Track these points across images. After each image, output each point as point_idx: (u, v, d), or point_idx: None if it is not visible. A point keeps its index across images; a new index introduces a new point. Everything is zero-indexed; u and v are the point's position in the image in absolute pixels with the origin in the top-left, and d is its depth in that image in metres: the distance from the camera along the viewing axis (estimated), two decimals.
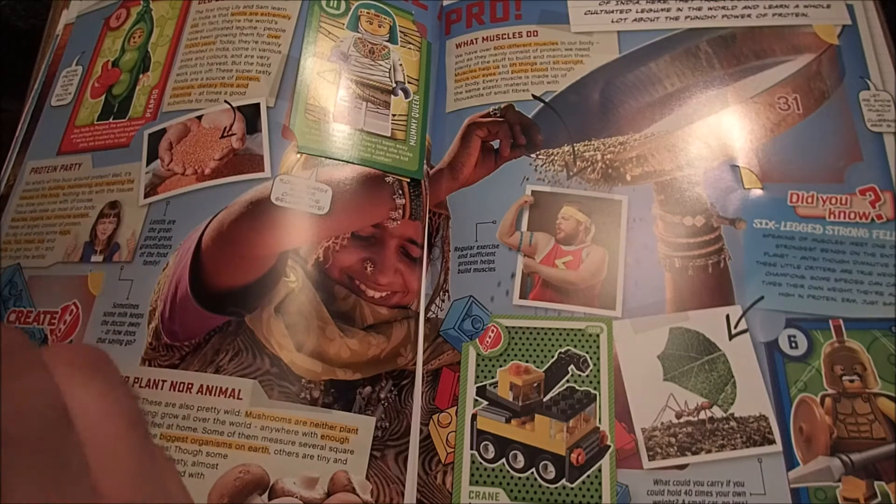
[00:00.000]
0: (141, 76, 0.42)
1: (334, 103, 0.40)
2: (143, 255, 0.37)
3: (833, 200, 0.38)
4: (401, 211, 0.38)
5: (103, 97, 0.42)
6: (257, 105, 0.39)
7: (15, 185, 0.42)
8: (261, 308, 0.35)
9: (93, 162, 0.41)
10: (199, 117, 0.39)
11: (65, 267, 0.39)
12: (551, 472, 0.34)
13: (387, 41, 0.43)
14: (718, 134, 0.40)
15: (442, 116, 0.43)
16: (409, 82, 0.42)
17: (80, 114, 0.43)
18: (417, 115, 0.41)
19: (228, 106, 0.39)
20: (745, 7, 0.43)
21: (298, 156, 0.38)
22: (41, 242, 0.40)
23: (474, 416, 0.35)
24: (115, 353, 0.34)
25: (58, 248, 0.39)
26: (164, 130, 0.40)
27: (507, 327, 0.37)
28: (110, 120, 0.42)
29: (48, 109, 0.44)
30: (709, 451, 0.33)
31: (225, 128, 0.39)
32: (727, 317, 0.36)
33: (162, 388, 0.34)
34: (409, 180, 0.39)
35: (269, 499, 0.32)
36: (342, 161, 0.38)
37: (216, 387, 0.34)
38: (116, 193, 0.39)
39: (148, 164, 0.39)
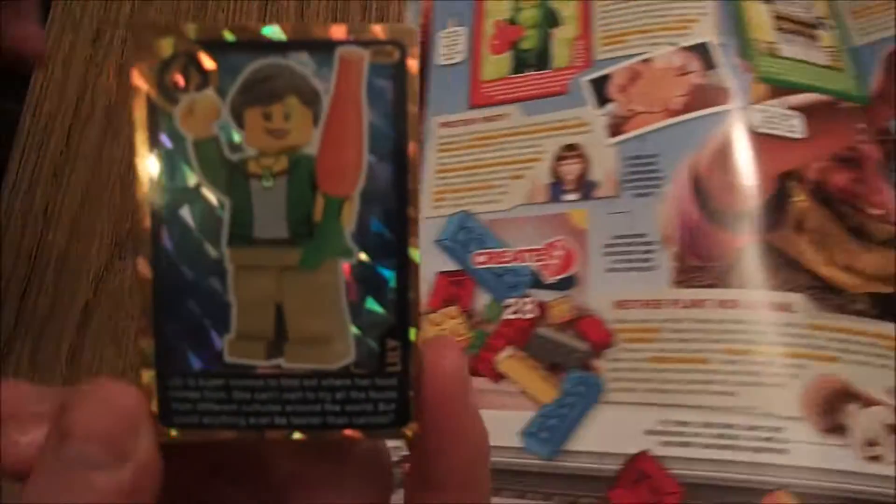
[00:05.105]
0: (551, 30, 0.42)
1: (774, 36, 0.41)
2: (631, 189, 0.37)
3: None
4: (864, 134, 0.39)
5: (510, 52, 0.42)
6: (705, 44, 0.40)
7: (426, 141, 0.41)
8: (778, 228, 0.35)
9: (523, 111, 0.41)
10: (647, 60, 0.40)
11: (531, 208, 0.38)
12: None
13: None
14: None
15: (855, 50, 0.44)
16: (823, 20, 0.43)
17: (483, 69, 0.42)
18: (842, 47, 0.43)
19: (677, 47, 0.40)
20: None
21: (760, 86, 0.39)
22: (488, 189, 0.39)
23: None
24: (636, 279, 0.35)
25: (514, 192, 0.38)
26: (607, 76, 0.40)
27: None
28: (529, 72, 0.41)
29: (435, 69, 0.43)
30: None
31: (680, 66, 0.39)
32: None
33: (705, 307, 0.33)
34: (856, 105, 0.40)
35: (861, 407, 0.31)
36: (801, 88, 0.39)
37: (765, 301, 0.33)
38: (569, 137, 0.39)
39: (600, 106, 0.39)
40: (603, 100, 0.39)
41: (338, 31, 0.16)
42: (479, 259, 0.37)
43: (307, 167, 0.16)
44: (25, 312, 0.36)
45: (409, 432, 0.17)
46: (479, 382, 0.34)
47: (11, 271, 0.37)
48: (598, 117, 0.39)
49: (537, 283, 0.36)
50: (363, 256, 0.17)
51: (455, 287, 0.37)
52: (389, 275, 0.17)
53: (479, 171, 0.40)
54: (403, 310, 0.17)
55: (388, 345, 0.17)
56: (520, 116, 0.40)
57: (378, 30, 0.16)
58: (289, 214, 0.17)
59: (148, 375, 0.16)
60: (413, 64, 0.16)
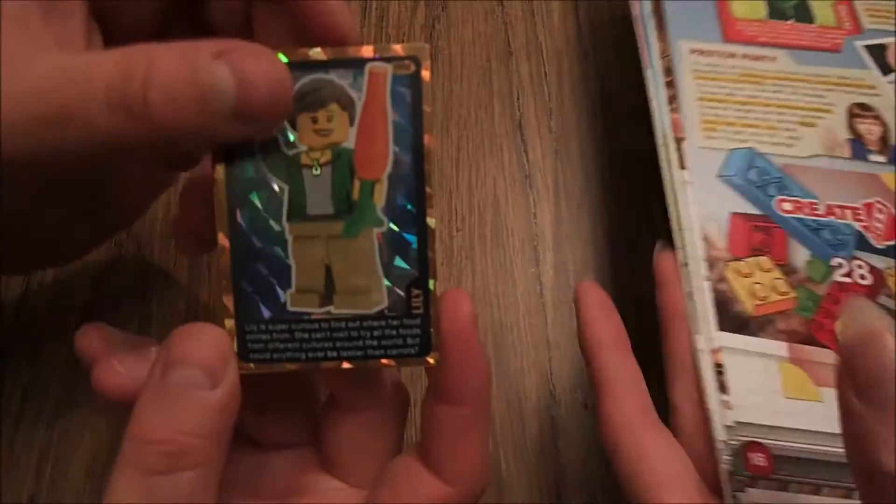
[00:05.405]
0: None
1: None
2: None
3: None
4: None
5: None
6: None
7: (674, 63, 0.33)
8: None
9: (792, 58, 0.34)
10: None
11: (833, 161, 0.31)
12: None
13: None
14: None
15: None
16: None
17: (733, 9, 0.36)
18: None
19: None
20: None
21: None
22: (773, 130, 0.32)
23: None
24: None
25: (809, 140, 0.32)
26: (882, 45, 0.35)
27: None
28: (790, 22, 0.36)
29: None
30: None
31: None
32: None
33: None
34: None
35: None
36: None
37: None
38: (858, 96, 0.33)
39: (885, 74, 0.34)
40: (885, 68, 0.34)
41: (367, 51, 0.20)
42: (785, 206, 0.29)
43: (346, 158, 0.20)
44: (25, 312, 0.35)
45: (431, 360, 0.21)
46: (822, 355, 0.26)
47: None
48: (885, 84, 0.34)
49: (865, 246, 0.28)
50: (391, 226, 0.20)
51: (761, 234, 0.28)
52: (412, 239, 0.20)
53: (755, 108, 0.32)
54: (424, 265, 0.20)
55: (412, 293, 0.20)
56: (790, 63, 0.34)
57: (398, 48, 0.20)
58: (333, 195, 0.20)
59: (229, 324, 0.21)
60: (426, 74, 0.20)
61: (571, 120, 0.40)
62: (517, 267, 0.36)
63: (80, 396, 0.33)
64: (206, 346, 0.19)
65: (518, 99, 0.41)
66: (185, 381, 0.18)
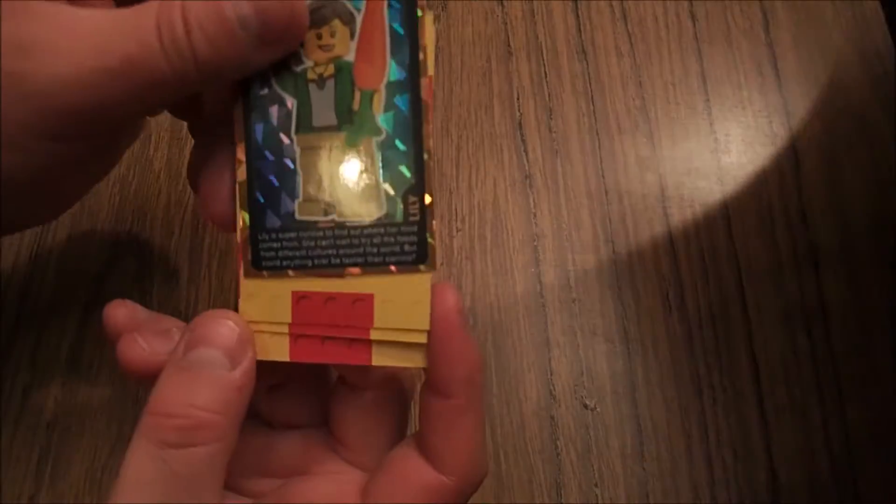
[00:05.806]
0: None
1: None
2: None
3: None
4: None
5: None
6: None
7: None
8: None
9: None
10: None
11: None
12: None
13: None
14: None
15: None
16: None
17: None
18: None
19: None
20: None
21: None
22: None
23: None
24: None
25: None
26: None
27: None
28: None
29: None
30: None
31: None
32: None
33: None
34: None
35: None
36: None
37: None
38: None
39: None
40: None
41: None
42: None
43: (348, 70, 0.21)
44: (25, 312, 0.36)
45: (422, 268, 0.21)
46: None
47: (11, 271, 0.37)
48: None
49: None
50: (389, 134, 0.21)
51: None
52: (408, 147, 0.21)
53: None
54: (420, 173, 0.21)
55: (409, 200, 0.21)
56: None
57: None
58: (336, 107, 0.21)
59: (244, 233, 0.22)
60: None
61: (571, 120, 0.40)
62: (517, 267, 0.36)
63: (80, 396, 0.34)
64: (228, 329, 0.21)
65: (518, 99, 0.41)
66: (205, 359, 0.20)
